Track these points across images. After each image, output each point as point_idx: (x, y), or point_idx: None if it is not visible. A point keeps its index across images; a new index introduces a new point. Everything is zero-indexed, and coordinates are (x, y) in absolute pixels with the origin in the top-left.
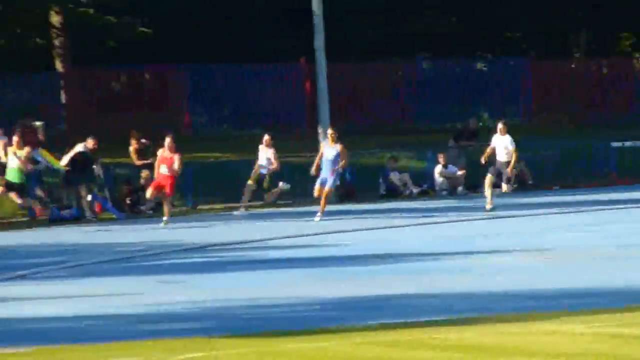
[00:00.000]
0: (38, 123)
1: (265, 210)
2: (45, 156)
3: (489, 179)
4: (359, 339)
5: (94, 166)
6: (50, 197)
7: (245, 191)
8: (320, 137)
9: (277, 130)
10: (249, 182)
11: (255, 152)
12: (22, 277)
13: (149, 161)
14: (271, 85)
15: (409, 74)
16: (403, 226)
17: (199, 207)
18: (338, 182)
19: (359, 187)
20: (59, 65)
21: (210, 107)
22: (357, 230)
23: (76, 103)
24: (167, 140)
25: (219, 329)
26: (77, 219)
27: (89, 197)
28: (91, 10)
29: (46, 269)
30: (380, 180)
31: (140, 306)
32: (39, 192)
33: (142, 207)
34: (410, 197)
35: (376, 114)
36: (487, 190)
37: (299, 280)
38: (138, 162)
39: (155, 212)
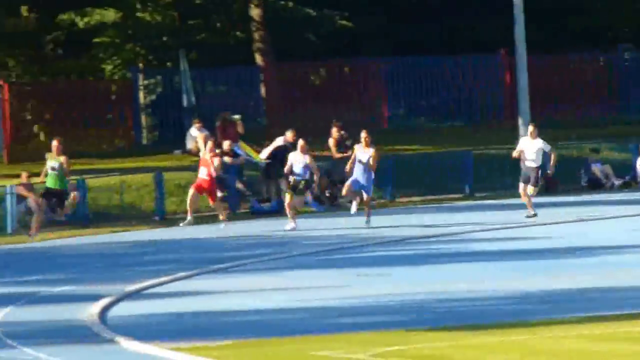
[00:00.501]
0: (237, 116)
1: (464, 203)
2: (245, 149)
3: (522, 189)
4: (561, 332)
5: None
6: (250, 190)
7: (287, 208)
8: (521, 130)
9: (475, 121)
10: (287, 194)
11: (453, 144)
12: (224, 270)
13: (347, 154)
14: (469, 76)
15: (611, 64)
16: (605, 218)
17: (398, 199)
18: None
19: (561, 178)
20: (258, 59)
21: (408, 100)
22: (558, 222)
23: (275, 97)
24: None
25: (417, 322)
26: (277, 211)
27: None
28: (291, 4)
29: (247, 262)
30: (582, 172)
31: (340, 299)
32: (239, 185)
33: (342, 200)
34: (612, 189)
35: (577, 105)
36: (525, 198)
37: (498, 272)
38: (337, 155)
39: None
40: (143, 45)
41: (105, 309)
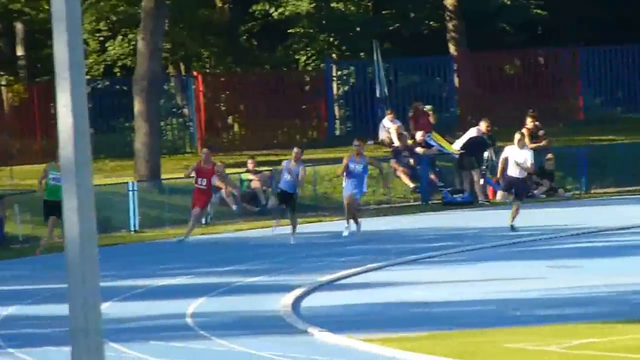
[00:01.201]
0: (428, 107)
1: None
2: (438, 140)
3: (500, 196)
4: None
5: (486, 150)
6: (443, 181)
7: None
8: None
9: None
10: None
11: None
12: (415, 261)
13: (541, 144)
14: None
15: None
16: None
17: (593, 190)
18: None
19: None
20: (452, 49)
21: (604, 90)
22: None
23: (469, 86)
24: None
25: (611, 314)
26: (470, 203)
27: (482, 182)
28: None
29: (440, 253)
30: None
31: (531, 291)
32: (431, 176)
33: (535, 192)
34: None
35: None
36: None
37: None
38: (530, 145)
39: (548, 195)
40: (336, 36)
41: (299, 299)
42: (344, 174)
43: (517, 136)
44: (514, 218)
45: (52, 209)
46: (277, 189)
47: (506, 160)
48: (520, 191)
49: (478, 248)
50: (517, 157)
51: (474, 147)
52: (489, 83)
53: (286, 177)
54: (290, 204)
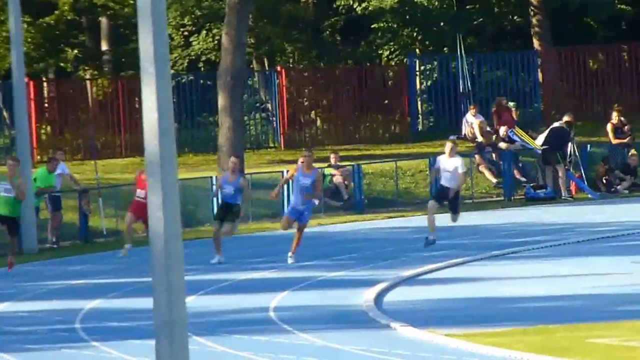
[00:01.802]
0: (512, 103)
1: None
2: (521, 135)
3: (431, 205)
4: None
5: (570, 144)
6: (526, 176)
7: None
8: None
9: None
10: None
11: None
12: (499, 257)
13: (625, 140)
14: None
15: None
16: None
17: None
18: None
19: None
20: (536, 44)
21: None
22: None
23: (553, 81)
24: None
25: None
26: (553, 198)
27: (565, 177)
28: None
29: (523, 249)
30: None
31: (616, 287)
32: (515, 172)
33: (618, 187)
34: None
35: None
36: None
37: None
38: (615, 140)
39: (630, 191)
40: (420, 31)
41: (381, 294)
42: (283, 186)
43: (448, 145)
44: (432, 230)
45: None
46: (217, 199)
47: (438, 169)
48: (454, 204)
49: (562, 243)
50: (447, 166)
51: (557, 139)
52: (573, 78)
53: (226, 189)
54: (230, 215)
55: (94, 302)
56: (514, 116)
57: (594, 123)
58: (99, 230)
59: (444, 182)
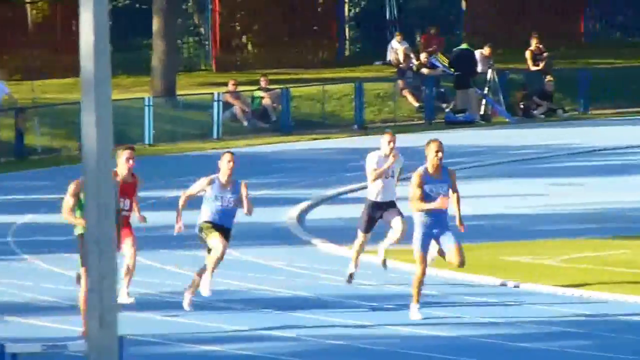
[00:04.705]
0: (433, 30)
1: None
2: (443, 61)
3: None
4: None
5: (489, 70)
6: (447, 101)
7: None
8: None
9: None
10: None
11: None
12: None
13: (540, 67)
14: None
15: None
16: None
17: (591, 112)
18: None
19: None
20: None
21: (605, 14)
22: None
23: (476, 10)
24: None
25: (610, 230)
26: (472, 122)
27: (484, 101)
28: None
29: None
30: None
31: (533, 207)
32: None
33: (535, 112)
34: None
35: None
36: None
37: None
38: (532, 67)
39: (546, 116)
40: None
41: (304, 212)
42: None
43: (386, 137)
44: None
45: None
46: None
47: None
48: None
49: (480, 165)
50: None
51: (463, 62)
52: (496, 6)
53: (220, 202)
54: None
55: (26, 217)
56: (439, 43)
57: (517, 50)
58: (34, 148)
59: (379, 195)
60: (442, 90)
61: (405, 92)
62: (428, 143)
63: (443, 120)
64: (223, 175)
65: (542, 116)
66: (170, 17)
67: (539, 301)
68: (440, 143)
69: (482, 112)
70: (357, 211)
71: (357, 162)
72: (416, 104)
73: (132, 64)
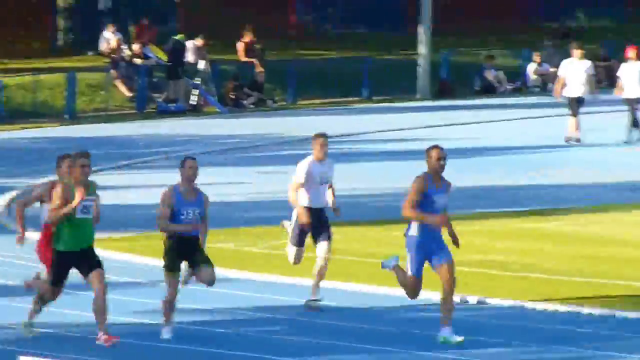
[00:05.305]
0: (146, 20)
1: (363, 105)
2: (155, 52)
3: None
4: (464, 227)
5: (202, 61)
6: (159, 91)
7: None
8: (421, 36)
9: (380, 28)
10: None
11: (358, 50)
12: (129, 166)
13: (252, 60)
14: None
15: None
16: (496, 121)
17: (299, 102)
18: None
19: (455, 83)
20: None
21: (316, 7)
22: (455, 124)
23: (190, 1)
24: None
25: None
26: (183, 112)
27: (197, 92)
28: None
29: (151, 159)
30: (476, 77)
31: (241, 195)
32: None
33: (245, 102)
34: (504, 93)
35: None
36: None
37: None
38: (243, 58)
39: (256, 106)
40: None
41: (12, 200)
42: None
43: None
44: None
45: None
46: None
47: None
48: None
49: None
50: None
51: (174, 53)
52: None
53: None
54: (198, 255)
55: None
56: (152, 34)
57: (230, 42)
58: None
59: (312, 201)
60: (155, 80)
61: (117, 82)
62: (429, 149)
63: (155, 110)
64: None
65: (252, 106)
66: None
67: (241, 288)
68: (443, 149)
69: (194, 102)
70: None
71: (65, 152)
72: (129, 94)
73: None
